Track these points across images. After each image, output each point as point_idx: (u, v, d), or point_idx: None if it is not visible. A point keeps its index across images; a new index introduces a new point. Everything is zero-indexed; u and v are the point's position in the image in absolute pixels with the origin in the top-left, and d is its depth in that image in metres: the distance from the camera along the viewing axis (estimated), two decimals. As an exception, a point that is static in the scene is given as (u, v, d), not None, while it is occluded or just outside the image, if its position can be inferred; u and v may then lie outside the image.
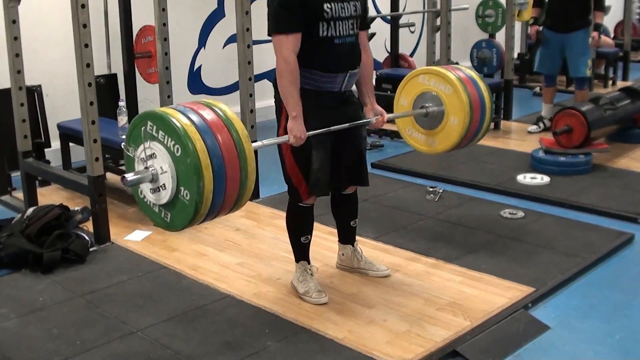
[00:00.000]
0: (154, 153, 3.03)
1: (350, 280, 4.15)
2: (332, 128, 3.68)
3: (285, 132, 3.61)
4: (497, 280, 4.11)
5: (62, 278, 4.28)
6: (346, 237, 4.24)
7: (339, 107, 3.77)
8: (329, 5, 3.58)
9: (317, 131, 3.62)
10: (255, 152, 3.22)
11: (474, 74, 4.41)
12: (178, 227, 3.12)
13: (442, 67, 4.42)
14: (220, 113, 3.09)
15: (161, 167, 3.02)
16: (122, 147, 3.24)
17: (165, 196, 3.04)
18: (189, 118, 2.98)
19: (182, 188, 2.98)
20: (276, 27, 3.56)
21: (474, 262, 4.36)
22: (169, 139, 2.96)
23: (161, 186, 3.04)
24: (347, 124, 3.77)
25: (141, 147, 3.08)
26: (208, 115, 3.05)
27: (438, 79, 4.30)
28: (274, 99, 3.78)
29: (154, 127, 3.02)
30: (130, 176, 3.08)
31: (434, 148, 4.42)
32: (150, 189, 3.10)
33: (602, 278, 4.25)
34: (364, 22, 3.87)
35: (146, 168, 3.07)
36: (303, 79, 3.61)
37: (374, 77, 7.88)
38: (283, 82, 3.56)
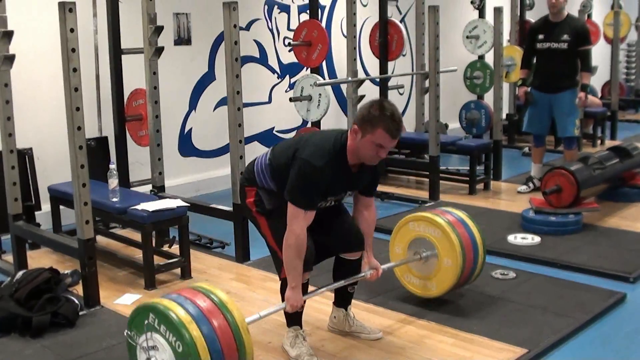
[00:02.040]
0: (155, 345, 3.09)
1: (342, 344, 4.12)
2: (325, 288, 3.98)
3: (263, 215, 3.85)
4: (490, 341, 4.09)
5: (51, 342, 4.23)
6: (341, 300, 4.23)
7: None
8: (331, 198, 3.84)
9: (310, 295, 3.85)
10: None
11: (463, 215, 4.56)
12: None
13: (431, 212, 4.58)
14: (217, 300, 3.18)
15: None
16: (125, 334, 3.29)
17: None
18: (189, 313, 3.07)
19: None
20: (299, 201, 3.63)
21: (466, 323, 4.34)
22: (171, 335, 3.03)
23: None
24: (343, 281, 4.00)
25: (143, 337, 3.15)
26: (219, 322, 3.12)
27: (427, 224, 4.47)
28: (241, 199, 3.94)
29: (156, 320, 3.09)
30: None
31: (432, 292, 4.54)
32: None
33: (594, 338, 4.23)
34: (371, 190, 4.04)
35: (148, 359, 3.13)
36: (273, 187, 3.80)
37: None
38: (289, 254, 3.65)
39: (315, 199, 3.68)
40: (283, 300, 3.95)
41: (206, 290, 3.25)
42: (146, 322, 3.13)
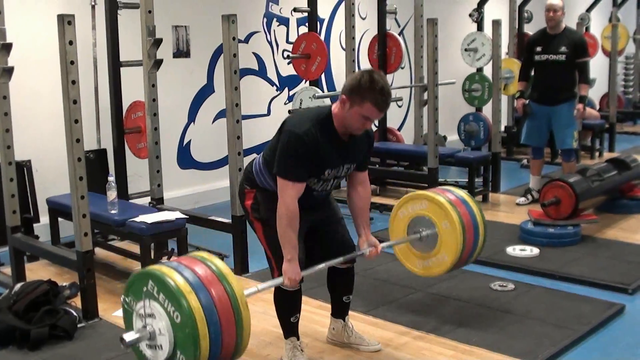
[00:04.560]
0: (153, 313, 3.07)
1: (341, 356, 4.11)
2: (324, 264, 3.85)
3: (259, 221, 3.82)
4: (489, 353, 4.08)
5: (49, 355, 4.22)
6: (338, 311, 4.22)
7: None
8: (329, 171, 3.72)
9: (309, 271, 3.75)
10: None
11: (463, 194, 4.51)
12: None
13: (429, 190, 4.57)
14: (229, 288, 3.12)
15: (159, 329, 3.05)
16: (121, 299, 3.27)
17: (161, 356, 3.07)
18: (189, 282, 3.04)
19: (178, 352, 3.02)
20: (286, 173, 3.60)
21: (465, 335, 4.33)
22: (170, 304, 3.01)
23: (158, 346, 3.07)
24: (342, 258, 3.90)
25: (141, 304, 3.12)
26: (217, 290, 3.09)
27: (414, 202, 4.45)
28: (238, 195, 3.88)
29: (155, 288, 3.06)
30: (128, 337, 3.11)
31: (445, 263, 4.39)
32: (147, 344, 3.13)
33: (593, 350, 4.22)
34: (365, 164, 3.98)
35: (144, 326, 3.10)
36: (273, 185, 3.73)
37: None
38: (282, 226, 3.62)
39: (302, 169, 3.61)
40: (278, 309, 3.96)
41: (205, 259, 3.21)
42: (145, 289, 3.08)
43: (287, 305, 3.92)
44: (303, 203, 3.65)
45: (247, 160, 5.42)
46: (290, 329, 3.97)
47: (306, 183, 3.67)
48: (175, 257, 3.37)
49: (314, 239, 3.90)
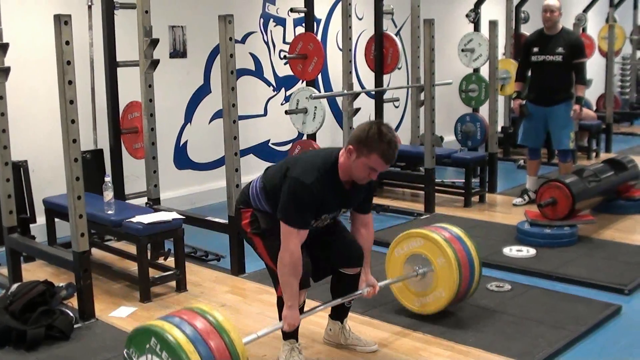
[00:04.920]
0: None
1: (338, 356, 4.11)
2: (323, 306, 3.95)
3: (258, 236, 3.87)
4: (485, 354, 4.09)
5: (46, 355, 4.22)
6: (337, 314, 4.23)
7: None
8: (326, 215, 3.79)
9: (308, 314, 3.85)
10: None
11: (458, 231, 4.60)
12: None
13: (424, 228, 4.64)
14: (227, 340, 3.16)
15: None
16: (124, 353, 3.29)
17: None
18: (191, 341, 3.07)
19: None
20: (291, 220, 3.62)
21: (462, 336, 4.33)
22: None
23: None
24: (340, 299, 4.00)
25: (144, 357, 3.16)
26: (216, 343, 3.14)
27: (410, 240, 4.55)
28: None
29: (158, 346, 3.10)
30: None
31: (442, 299, 4.46)
32: None
33: (590, 350, 4.22)
34: (367, 207, 4.03)
35: None
36: (268, 210, 3.80)
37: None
38: (284, 273, 3.65)
39: (307, 217, 3.66)
40: (280, 316, 3.95)
41: (205, 312, 3.26)
42: (148, 345, 3.13)
43: None
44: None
45: (243, 160, 5.43)
46: (290, 331, 3.96)
47: None
48: (176, 310, 3.39)
49: (316, 242, 3.89)
